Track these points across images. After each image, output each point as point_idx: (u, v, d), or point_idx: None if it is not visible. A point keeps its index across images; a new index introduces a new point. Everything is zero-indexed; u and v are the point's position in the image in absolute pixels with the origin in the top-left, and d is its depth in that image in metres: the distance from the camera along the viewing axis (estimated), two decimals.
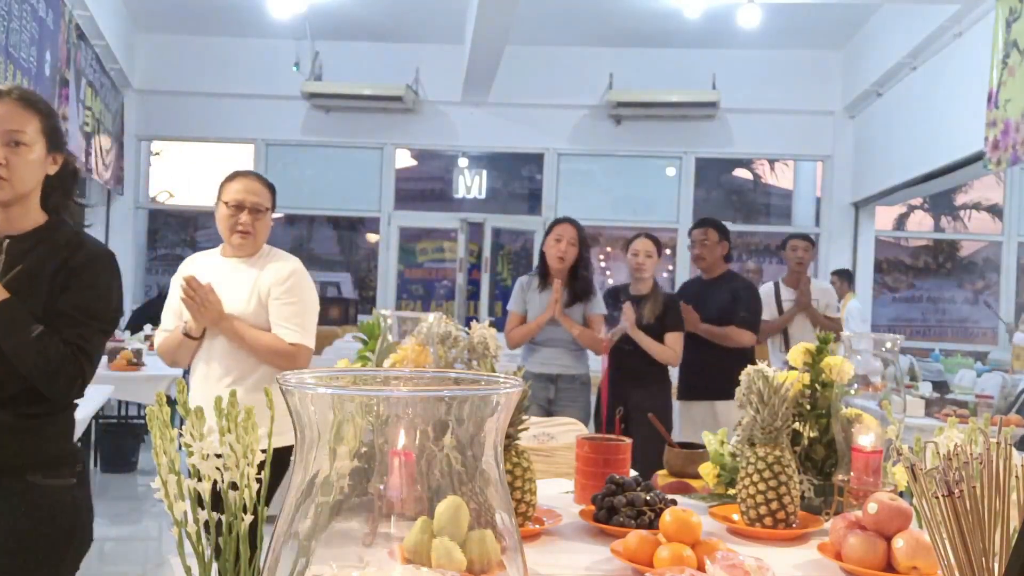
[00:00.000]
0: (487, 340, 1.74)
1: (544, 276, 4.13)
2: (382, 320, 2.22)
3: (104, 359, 5.66)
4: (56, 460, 1.90)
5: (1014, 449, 0.95)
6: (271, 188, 2.90)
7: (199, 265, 2.90)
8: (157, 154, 10.67)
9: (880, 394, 1.89)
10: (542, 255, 4.18)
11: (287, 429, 0.68)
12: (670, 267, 10.65)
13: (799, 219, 10.66)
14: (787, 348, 5.27)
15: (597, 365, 4.30)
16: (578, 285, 4.08)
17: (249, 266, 2.81)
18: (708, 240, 4.53)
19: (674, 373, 4.45)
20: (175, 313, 2.84)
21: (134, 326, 8.14)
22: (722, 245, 4.53)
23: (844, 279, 8.31)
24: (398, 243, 9.97)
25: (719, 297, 4.44)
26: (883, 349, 1.95)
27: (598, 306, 4.10)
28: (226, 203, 2.78)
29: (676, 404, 4.51)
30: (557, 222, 4.17)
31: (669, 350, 4.14)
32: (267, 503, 1.15)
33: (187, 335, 2.74)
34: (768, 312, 5.43)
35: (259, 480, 1.16)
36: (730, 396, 4.13)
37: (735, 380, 4.23)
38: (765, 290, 5.52)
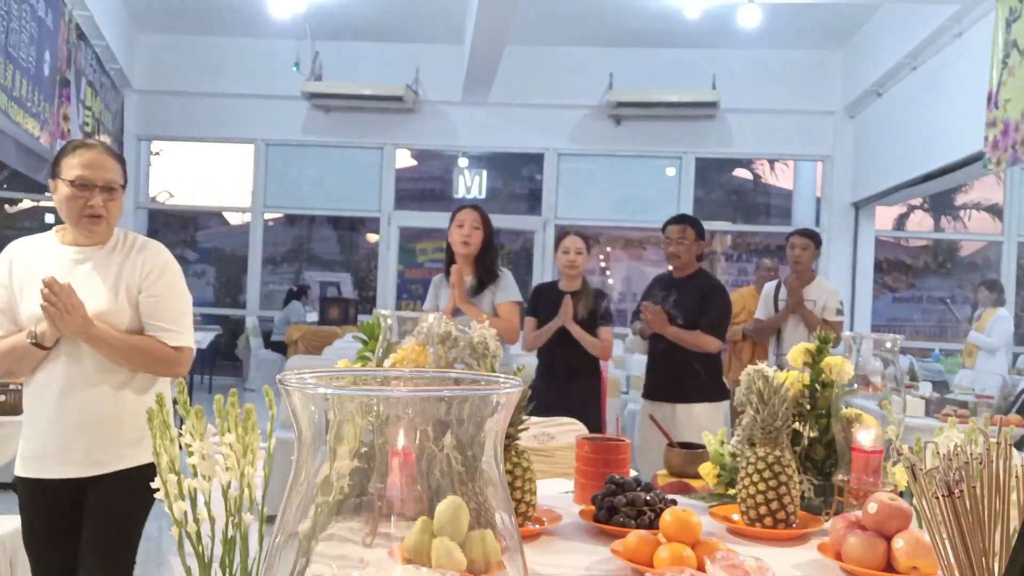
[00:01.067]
0: (487, 340, 1.74)
1: (450, 267, 3.86)
2: (382, 320, 2.21)
3: None
4: None
5: (1014, 449, 0.95)
6: (121, 161, 2.49)
7: (32, 256, 2.36)
8: (157, 154, 10.67)
9: (880, 394, 1.89)
10: (447, 246, 3.92)
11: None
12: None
13: (799, 219, 10.66)
14: (778, 350, 5.17)
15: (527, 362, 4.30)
16: (485, 271, 3.84)
17: (105, 257, 2.36)
18: (686, 238, 4.37)
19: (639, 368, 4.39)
20: (3, 313, 2.33)
21: None
22: (698, 244, 4.40)
23: (992, 290, 7.85)
24: (398, 243, 9.97)
25: (689, 297, 4.31)
26: (883, 349, 1.95)
27: (508, 292, 3.83)
28: (70, 182, 2.30)
29: (641, 403, 4.47)
30: (458, 209, 3.89)
31: (598, 342, 4.11)
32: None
33: (38, 345, 2.23)
34: (765, 311, 5.39)
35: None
36: (691, 400, 4.14)
37: (699, 384, 4.20)
38: (767, 288, 5.48)
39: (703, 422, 3.88)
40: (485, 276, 3.82)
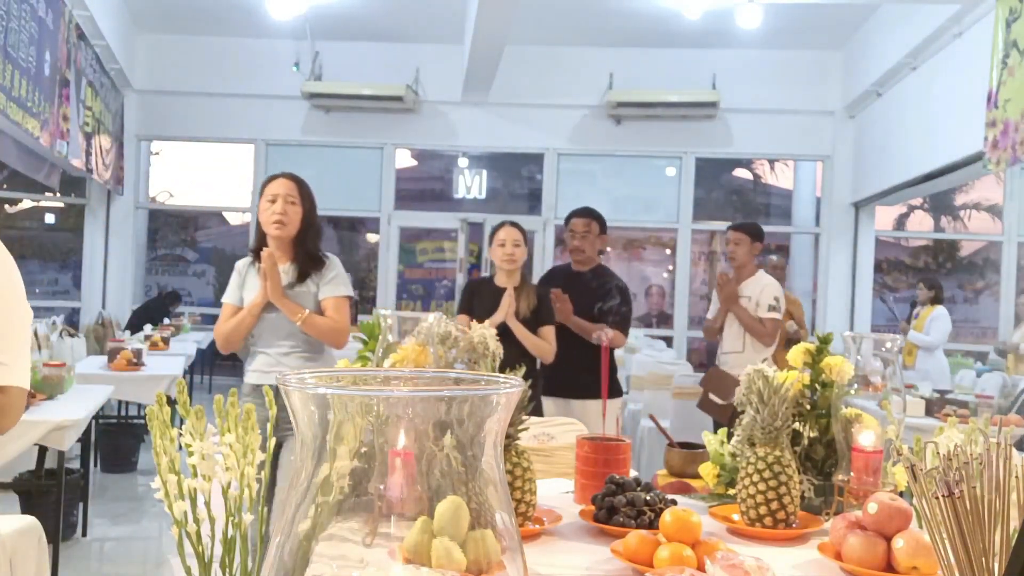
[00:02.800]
0: (487, 340, 1.74)
1: (259, 252, 3.17)
2: (382, 320, 2.20)
3: (103, 359, 5.68)
4: None
5: (1014, 449, 0.95)
6: None
7: None
8: (157, 154, 10.67)
9: (880, 394, 1.89)
10: (257, 226, 3.28)
11: None
12: (670, 267, 10.65)
13: (799, 219, 10.67)
14: (721, 349, 4.98)
15: None
16: (306, 256, 3.18)
17: None
18: (590, 232, 4.23)
19: None
20: None
21: (134, 326, 8.14)
22: (601, 239, 4.27)
23: (931, 288, 7.79)
24: (398, 243, 9.98)
25: (591, 291, 4.13)
26: (883, 349, 1.95)
27: (337, 284, 3.19)
28: None
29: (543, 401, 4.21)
30: (269, 179, 3.21)
31: (546, 344, 3.80)
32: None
33: None
34: (714, 309, 5.15)
35: (259, 480, 1.16)
36: (590, 395, 3.90)
37: (597, 379, 4.14)
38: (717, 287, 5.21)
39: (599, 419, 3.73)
40: (306, 263, 3.17)
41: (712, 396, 4.79)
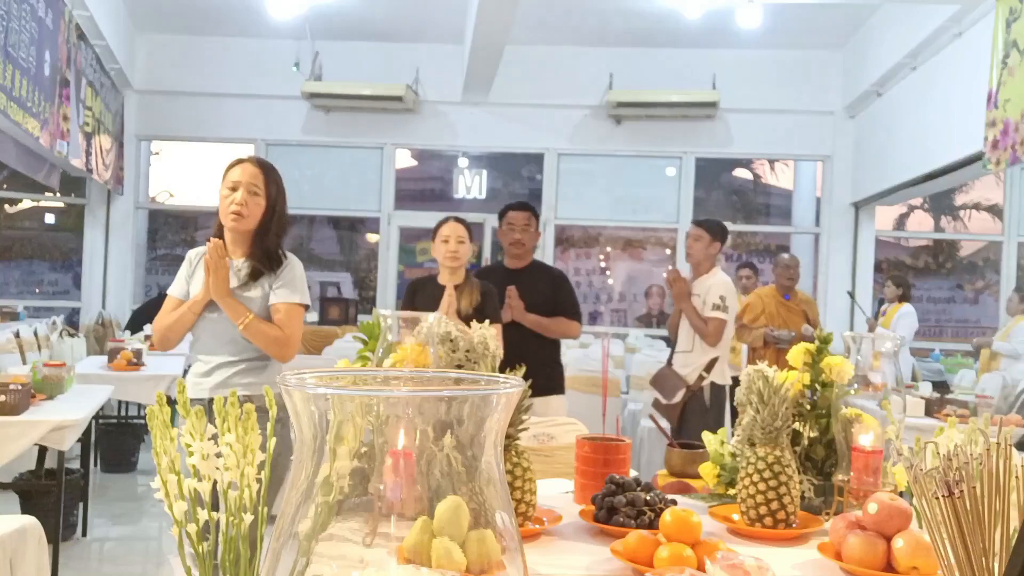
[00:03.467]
0: (487, 340, 1.74)
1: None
2: (382, 320, 2.20)
3: (103, 359, 5.68)
4: None
5: (1014, 449, 0.95)
6: None
7: None
8: (157, 154, 10.67)
9: (880, 394, 1.89)
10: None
11: None
12: (670, 267, 10.64)
13: (799, 219, 10.67)
14: (676, 347, 4.87)
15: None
16: (263, 254, 2.82)
17: None
18: (530, 226, 4.09)
19: None
20: None
21: (134, 326, 8.14)
22: (537, 234, 4.16)
23: (899, 286, 7.81)
24: (398, 243, 9.97)
25: (536, 286, 4.01)
26: (883, 349, 1.95)
27: (292, 289, 2.82)
28: None
29: None
30: (234, 162, 2.92)
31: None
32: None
33: None
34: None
35: (259, 480, 1.16)
36: (550, 391, 3.89)
37: (552, 375, 3.96)
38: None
39: (561, 415, 3.72)
40: (262, 261, 2.80)
41: (656, 395, 4.77)
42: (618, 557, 1.49)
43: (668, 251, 10.98)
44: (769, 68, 9.28)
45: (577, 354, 7.23)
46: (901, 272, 8.15)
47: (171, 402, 1.46)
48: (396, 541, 0.61)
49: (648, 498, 1.69)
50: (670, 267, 4.94)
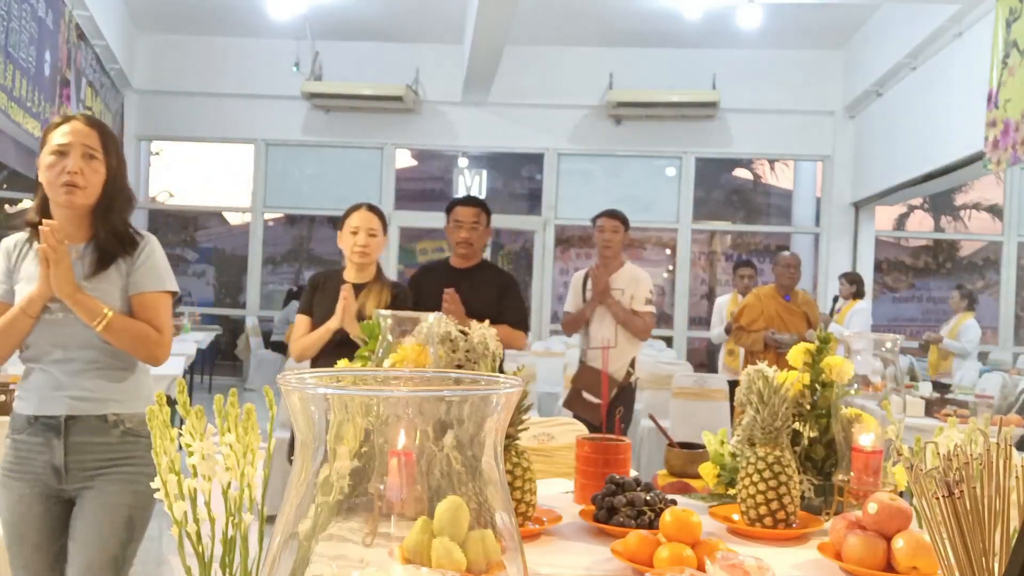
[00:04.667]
0: (487, 340, 1.74)
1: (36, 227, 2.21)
2: (382, 320, 2.19)
3: None
4: None
5: (1014, 449, 0.95)
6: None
7: None
8: (157, 154, 10.67)
9: (880, 394, 1.89)
10: (39, 189, 2.28)
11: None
12: (670, 267, 10.66)
13: (799, 219, 10.67)
14: (589, 343, 4.59)
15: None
16: (108, 234, 2.22)
17: None
18: (480, 224, 3.76)
19: None
20: None
21: None
22: (488, 232, 3.83)
23: (852, 283, 7.82)
24: (398, 243, 9.98)
25: (480, 289, 3.66)
26: (883, 349, 1.95)
27: (156, 274, 2.29)
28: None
29: None
30: (60, 121, 2.23)
31: None
32: None
33: None
34: (574, 303, 4.72)
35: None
36: None
37: None
38: (576, 278, 4.78)
39: None
40: (111, 244, 2.22)
41: (586, 395, 4.47)
42: (618, 557, 1.49)
43: (668, 251, 10.98)
44: (769, 68, 9.28)
45: (577, 354, 7.23)
46: (854, 272, 8.09)
47: (171, 402, 1.46)
48: (396, 541, 0.61)
49: (648, 498, 1.69)
50: (597, 264, 4.62)
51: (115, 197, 2.25)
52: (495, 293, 3.69)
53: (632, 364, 4.55)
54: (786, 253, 6.03)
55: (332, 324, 3.11)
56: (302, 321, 3.28)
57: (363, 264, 3.27)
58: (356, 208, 3.33)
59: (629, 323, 4.50)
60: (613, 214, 4.64)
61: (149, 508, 2.25)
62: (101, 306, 2.16)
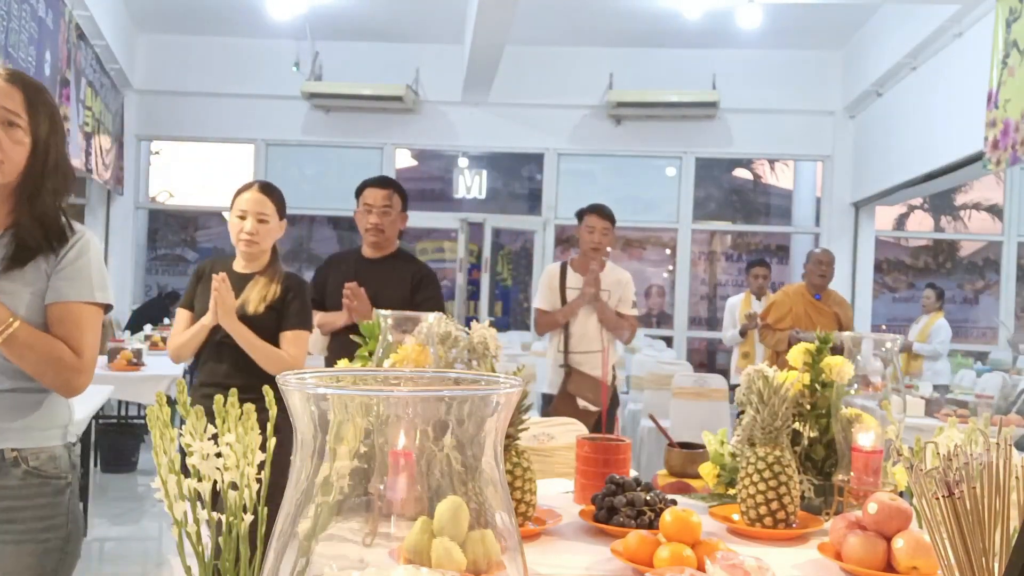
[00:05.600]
0: (487, 340, 1.74)
1: None
2: (382, 320, 2.19)
3: (104, 359, 5.69)
4: None
5: (1014, 449, 0.95)
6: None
7: None
8: (157, 154, 10.67)
9: (880, 394, 1.89)
10: None
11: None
12: (670, 267, 10.65)
13: (799, 219, 10.67)
14: (566, 347, 4.32)
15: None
16: (33, 221, 1.84)
17: None
18: (392, 208, 3.38)
19: None
20: None
21: (134, 326, 8.14)
22: (403, 217, 3.48)
23: (938, 298, 7.76)
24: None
25: (392, 281, 3.32)
26: (883, 349, 1.95)
27: (84, 283, 1.86)
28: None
29: None
30: None
31: (281, 355, 2.77)
32: None
33: None
34: (550, 300, 4.43)
35: (259, 480, 1.16)
36: None
37: None
38: (550, 272, 4.55)
39: None
40: (34, 233, 1.81)
41: (582, 402, 4.24)
42: (618, 557, 1.49)
43: (668, 251, 10.98)
44: (769, 68, 9.28)
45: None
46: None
47: (171, 402, 1.46)
48: (396, 541, 0.61)
49: (648, 498, 1.69)
50: (595, 262, 4.35)
51: (44, 175, 1.80)
52: (409, 287, 3.29)
53: (614, 368, 4.45)
54: (818, 249, 5.70)
55: (207, 320, 2.75)
56: (182, 316, 2.89)
57: (252, 254, 2.86)
58: (247, 187, 2.87)
59: (617, 327, 4.33)
60: (604, 214, 4.42)
61: (64, 571, 1.77)
62: (6, 312, 1.69)
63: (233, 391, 1.18)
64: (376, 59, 9.36)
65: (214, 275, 2.75)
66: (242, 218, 2.83)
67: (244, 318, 2.75)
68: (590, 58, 9.32)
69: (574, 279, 4.41)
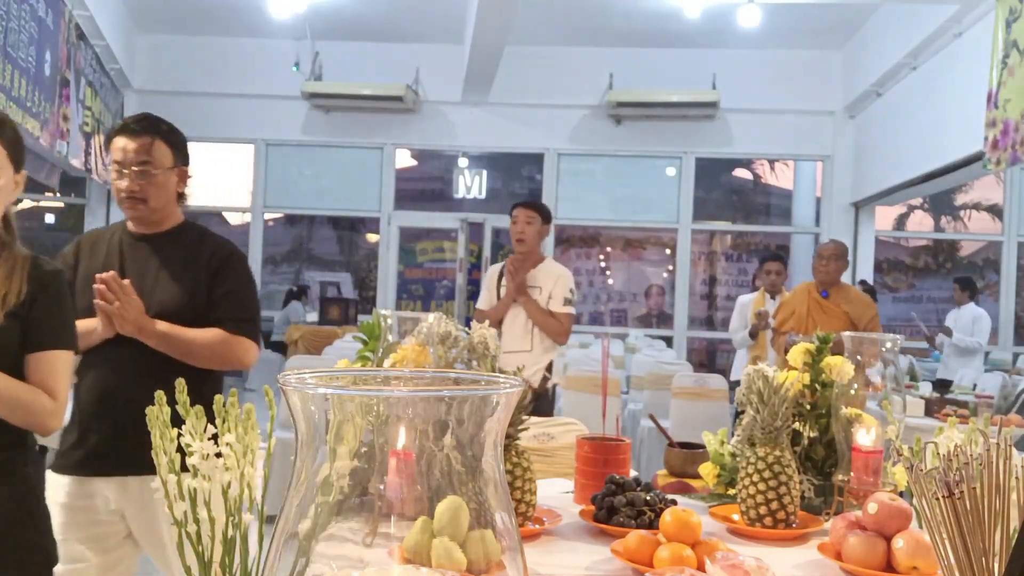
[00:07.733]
0: (487, 340, 1.74)
1: None
2: (382, 320, 2.18)
3: None
4: None
5: (1014, 449, 0.95)
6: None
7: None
8: None
9: (880, 394, 1.89)
10: None
11: None
12: (670, 267, 10.65)
13: (799, 219, 10.67)
14: (499, 343, 4.39)
15: None
16: None
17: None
18: (151, 162, 2.43)
19: None
20: None
21: None
22: (180, 172, 2.55)
23: (965, 288, 7.80)
24: (398, 243, 9.97)
25: (176, 266, 2.39)
26: (883, 349, 1.95)
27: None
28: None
29: None
30: None
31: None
32: None
33: None
34: (488, 300, 4.39)
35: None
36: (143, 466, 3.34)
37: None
38: (490, 272, 4.47)
39: None
40: None
41: None
42: (618, 557, 1.49)
43: (668, 251, 10.98)
44: (769, 68, 9.28)
45: (577, 354, 7.24)
46: (966, 276, 8.16)
47: (171, 402, 1.45)
48: (396, 541, 0.61)
49: (648, 498, 1.69)
50: (514, 257, 4.23)
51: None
52: (204, 275, 2.32)
53: (549, 368, 4.16)
54: (825, 242, 5.38)
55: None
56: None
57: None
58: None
59: (545, 325, 4.13)
60: (528, 204, 4.33)
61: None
62: None
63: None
64: (376, 59, 9.36)
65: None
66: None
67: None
68: (590, 58, 9.32)
69: (508, 277, 4.27)
